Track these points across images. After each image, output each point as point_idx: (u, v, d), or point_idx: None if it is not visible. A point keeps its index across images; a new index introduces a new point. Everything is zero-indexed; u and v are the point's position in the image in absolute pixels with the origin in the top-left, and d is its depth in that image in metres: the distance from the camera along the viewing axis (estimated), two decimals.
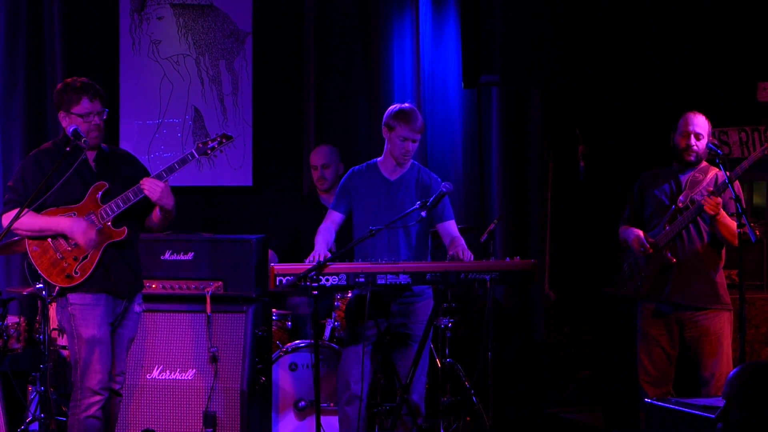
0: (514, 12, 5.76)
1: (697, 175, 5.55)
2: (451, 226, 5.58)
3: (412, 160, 5.64)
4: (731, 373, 3.08)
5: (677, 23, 5.68)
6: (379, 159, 5.65)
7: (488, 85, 7.01)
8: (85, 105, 5.04)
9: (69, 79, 5.14)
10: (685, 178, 5.57)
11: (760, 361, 3.13)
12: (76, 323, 5.04)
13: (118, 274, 5.10)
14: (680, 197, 5.52)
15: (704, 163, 5.60)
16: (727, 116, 6.94)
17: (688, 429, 4.27)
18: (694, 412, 4.26)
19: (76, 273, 5.02)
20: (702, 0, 5.68)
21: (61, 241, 5.03)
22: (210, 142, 5.27)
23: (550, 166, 7.46)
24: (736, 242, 5.35)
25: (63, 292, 5.06)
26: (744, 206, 5.29)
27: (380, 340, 5.48)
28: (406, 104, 5.59)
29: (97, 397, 5.03)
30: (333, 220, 5.61)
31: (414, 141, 5.50)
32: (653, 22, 5.70)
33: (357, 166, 5.70)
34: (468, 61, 5.99)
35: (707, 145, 5.51)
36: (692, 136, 5.51)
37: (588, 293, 7.44)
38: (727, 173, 5.26)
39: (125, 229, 5.09)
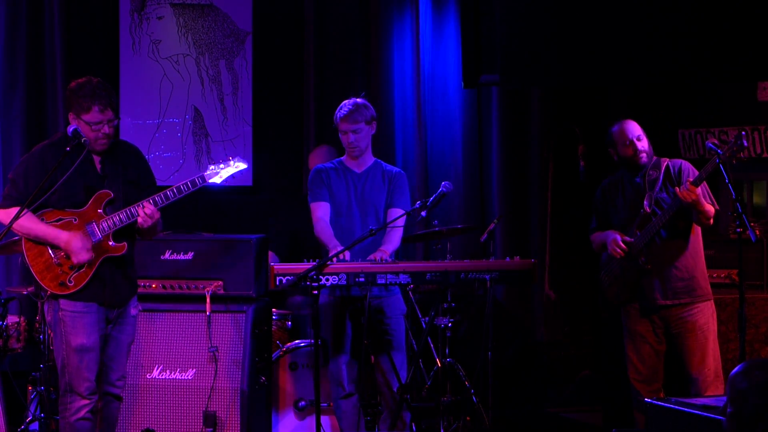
0: (514, 12, 5.76)
1: (651, 172, 5.60)
2: (396, 215, 5.58)
3: (375, 159, 5.76)
4: (733, 372, 3.09)
5: (677, 23, 5.68)
6: (343, 157, 5.78)
7: (488, 85, 7.01)
8: (95, 115, 4.88)
9: (83, 80, 4.95)
10: (640, 180, 5.61)
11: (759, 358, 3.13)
12: (66, 330, 4.96)
13: (113, 287, 5.03)
14: (645, 202, 5.55)
15: (653, 158, 5.64)
16: (727, 116, 6.94)
17: (688, 429, 4.27)
18: (694, 411, 4.26)
19: (70, 282, 4.94)
20: (702, 0, 5.68)
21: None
22: (223, 166, 5.19)
23: (550, 165, 7.47)
24: (711, 222, 5.40)
25: (55, 296, 4.97)
26: (736, 200, 5.26)
27: (357, 339, 5.53)
28: (351, 100, 5.69)
29: (86, 401, 4.99)
30: (324, 210, 5.65)
31: (355, 132, 5.61)
32: (653, 22, 5.70)
33: (320, 164, 5.82)
34: (468, 61, 5.99)
35: (707, 144, 5.50)
36: (635, 141, 5.58)
37: (588, 293, 7.44)
38: (728, 175, 5.26)
39: (125, 245, 5.00)
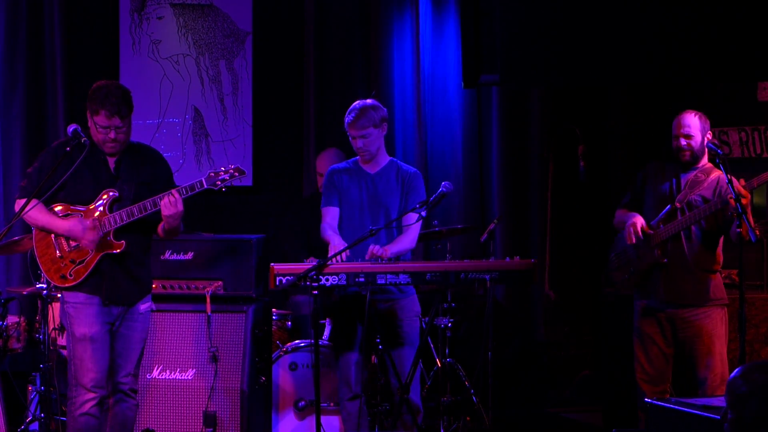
0: (514, 12, 5.75)
1: (699, 175, 5.53)
2: (411, 219, 5.50)
3: (391, 159, 5.68)
4: (730, 376, 3.08)
5: (677, 23, 5.68)
6: (358, 157, 5.69)
7: (488, 85, 7.01)
8: (101, 120, 4.99)
9: (104, 83, 5.07)
10: (686, 178, 5.55)
11: (756, 361, 3.13)
12: (71, 321, 5.05)
13: (113, 284, 5.06)
14: (678, 196, 5.51)
15: (708, 164, 5.57)
16: (727, 116, 6.93)
17: (688, 429, 4.27)
18: (694, 412, 4.26)
19: (70, 275, 5.03)
20: (702, 0, 5.67)
21: (63, 240, 5.06)
22: (222, 173, 5.10)
23: (550, 166, 7.47)
24: (747, 238, 5.20)
25: (57, 288, 5.10)
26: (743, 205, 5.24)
27: (372, 340, 5.49)
28: (359, 102, 5.59)
29: (91, 395, 5.00)
30: (333, 215, 5.61)
31: (363, 137, 5.52)
32: (653, 22, 5.70)
33: (336, 164, 5.75)
34: (468, 61, 5.98)
35: (706, 144, 5.49)
36: (681, 138, 5.51)
37: (588, 293, 7.44)
38: (729, 175, 5.25)
39: (123, 243, 5.03)
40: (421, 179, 5.63)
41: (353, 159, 5.70)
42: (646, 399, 4.75)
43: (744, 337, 5.23)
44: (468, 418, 6.35)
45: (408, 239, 5.51)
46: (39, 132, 7.36)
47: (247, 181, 7.54)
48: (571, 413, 7.10)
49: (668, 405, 4.46)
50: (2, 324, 5.99)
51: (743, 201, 5.17)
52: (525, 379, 7.38)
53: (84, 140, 4.95)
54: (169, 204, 4.97)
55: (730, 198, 5.16)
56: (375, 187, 5.58)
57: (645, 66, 5.76)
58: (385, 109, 5.63)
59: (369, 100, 5.61)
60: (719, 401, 4.20)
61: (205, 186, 5.07)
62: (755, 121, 6.78)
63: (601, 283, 7.16)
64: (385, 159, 5.65)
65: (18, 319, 6.15)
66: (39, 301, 5.97)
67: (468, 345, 6.82)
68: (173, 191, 5.00)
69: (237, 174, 5.12)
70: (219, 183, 5.09)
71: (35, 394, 6.06)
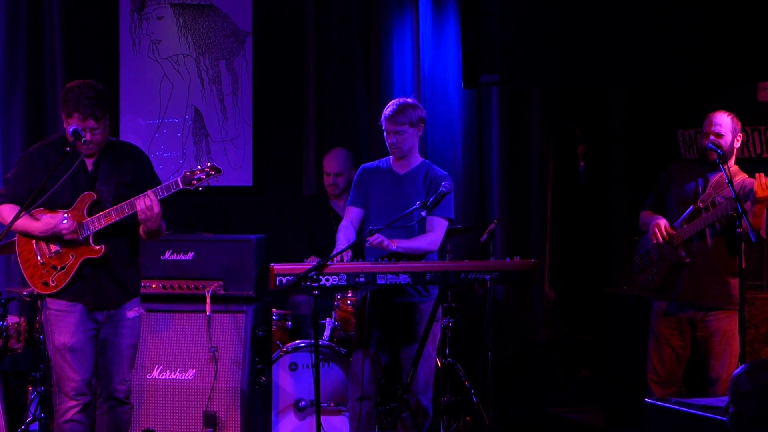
0: (514, 12, 5.76)
1: (725, 177, 5.50)
2: (435, 222, 5.49)
3: (423, 160, 5.65)
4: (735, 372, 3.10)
5: (677, 23, 5.68)
6: (391, 156, 5.67)
7: (488, 85, 7.01)
8: (75, 122, 4.87)
9: (75, 83, 4.93)
10: (713, 178, 5.52)
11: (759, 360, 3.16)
12: (51, 329, 4.98)
13: (96, 288, 4.99)
14: (702, 196, 5.49)
15: (734, 167, 5.54)
16: None
17: (689, 429, 4.27)
18: (694, 412, 4.26)
19: (52, 282, 4.95)
20: (702, 0, 5.68)
21: (44, 246, 4.97)
22: (198, 173, 4.99)
23: (550, 166, 7.47)
24: (754, 238, 5.19)
25: (41, 295, 5.01)
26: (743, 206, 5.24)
27: (384, 341, 5.47)
28: (400, 99, 5.57)
29: (73, 402, 4.96)
30: (351, 216, 5.60)
31: (397, 133, 5.48)
32: (653, 22, 5.70)
33: (368, 163, 5.73)
34: (468, 61, 5.98)
35: (706, 144, 5.48)
36: (711, 136, 5.48)
37: (588, 293, 7.45)
38: (730, 176, 5.24)
39: (102, 247, 4.93)
40: (449, 182, 5.57)
41: (386, 158, 5.66)
42: (646, 399, 4.75)
43: (744, 337, 5.24)
44: (468, 418, 6.35)
45: (426, 240, 5.48)
46: (39, 132, 7.34)
47: (247, 181, 7.55)
48: (571, 413, 7.10)
49: (668, 405, 4.46)
50: (2, 324, 5.99)
51: (767, 192, 5.17)
52: (525, 379, 7.38)
53: (84, 141, 4.84)
54: (145, 207, 4.87)
55: (757, 181, 5.17)
56: (401, 189, 5.55)
57: (645, 66, 5.76)
58: (424, 110, 5.61)
59: (410, 99, 5.59)
60: (719, 401, 4.21)
61: (181, 186, 4.97)
62: (755, 121, 6.78)
63: (601, 283, 7.18)
64: (416, 160, 5.61)
65: (18, 319, 6.15)
66: (39, 302, 5.96)
67: (468, 345, 6.82)
68: (149, 192, 4.90)
69: (213, 173, 5.01)
70: (195, 182, 4.98)
71: (35, 394, 6.06)
